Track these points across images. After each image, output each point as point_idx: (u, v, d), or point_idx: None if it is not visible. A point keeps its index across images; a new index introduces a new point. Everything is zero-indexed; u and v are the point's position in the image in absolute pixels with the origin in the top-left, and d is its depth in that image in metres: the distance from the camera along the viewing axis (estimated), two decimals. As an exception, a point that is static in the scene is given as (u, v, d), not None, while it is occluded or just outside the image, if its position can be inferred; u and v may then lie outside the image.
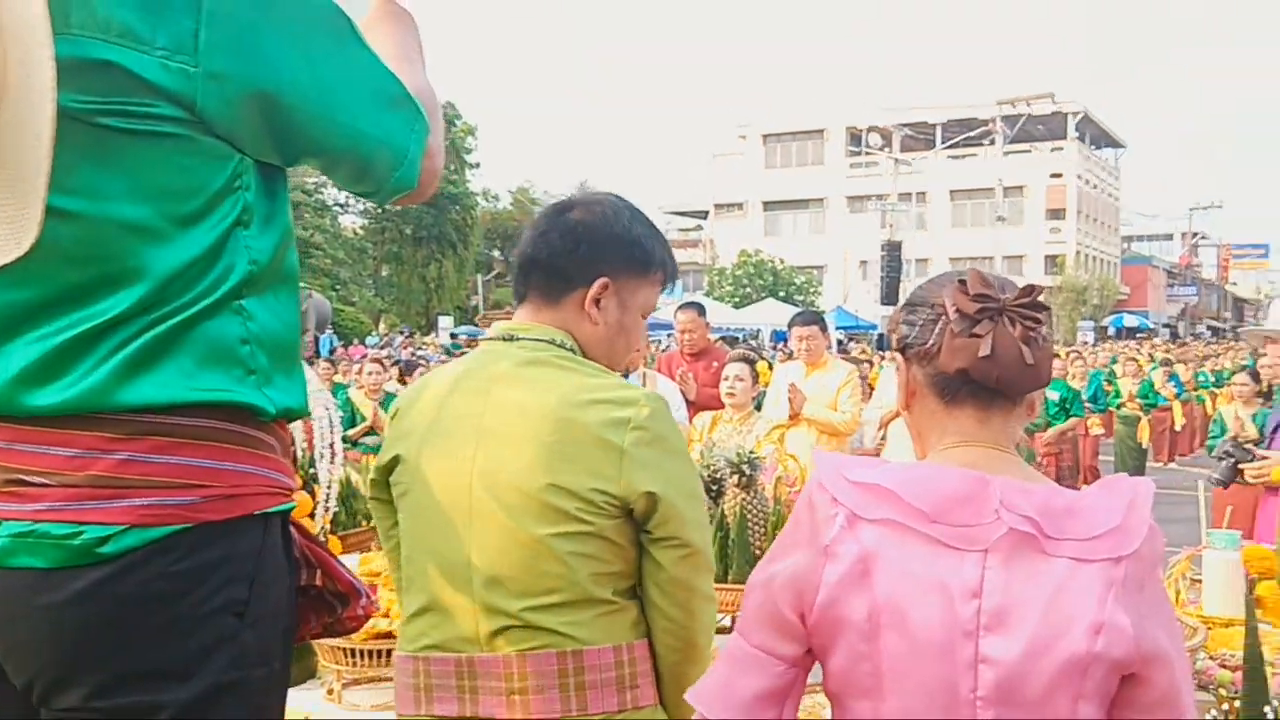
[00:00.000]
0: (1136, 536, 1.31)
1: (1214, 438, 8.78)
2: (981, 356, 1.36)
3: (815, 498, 1.39)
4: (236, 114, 1.32)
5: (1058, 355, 11.69)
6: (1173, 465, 16.21)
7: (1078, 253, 52.81)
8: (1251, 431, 8.26)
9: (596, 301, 1.84)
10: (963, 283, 1.40)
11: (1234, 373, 9.63)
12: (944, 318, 1.40)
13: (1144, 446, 14.84)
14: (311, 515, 3.01)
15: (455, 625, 1.76)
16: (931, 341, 1.41)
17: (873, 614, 1.31)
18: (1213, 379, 18.43)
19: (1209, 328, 67.28)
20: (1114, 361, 18.09)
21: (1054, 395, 9.88)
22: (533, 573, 1.71)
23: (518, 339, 1.83)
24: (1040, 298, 1.40)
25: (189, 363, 1.32)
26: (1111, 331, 50.33)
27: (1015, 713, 1.28)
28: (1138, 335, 48.73)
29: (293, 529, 1.49)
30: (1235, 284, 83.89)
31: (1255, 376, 8.81)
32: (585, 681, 1.71)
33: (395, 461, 1.86)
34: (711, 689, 1.42)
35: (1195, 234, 71.75)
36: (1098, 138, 57.93)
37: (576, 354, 1.83)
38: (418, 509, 1.82)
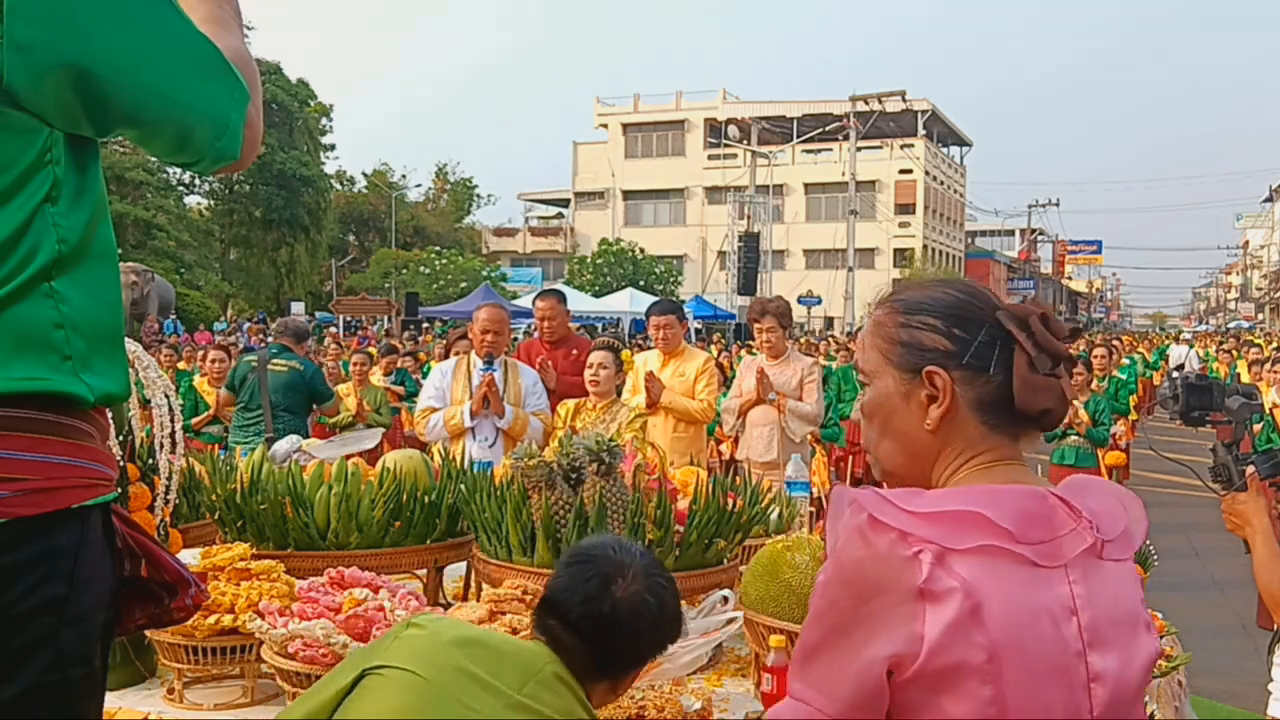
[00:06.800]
0: (1140, 535, 1.36)
1: (1050, 424, 9.24)
2: (1062, 399, 1.33)
3: (875, 539, 1.22)
4: (45, 86, 1.23)
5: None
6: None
7: (925, 247, 54.79)
8: (1084, 417, 8.73)
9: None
10: (1045, 318, 1.34)
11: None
12: (1010, 344, 1.33)
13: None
14: (150, 508, 2.86)
15: None
16: (993, 368, 1.34)
17: (993, 653, 1.19)
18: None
19: (1045, 320, 70.58)
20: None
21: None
22: None
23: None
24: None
25: None
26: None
27: None
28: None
29: (115, 518, 1.42)
30: (1070, 278, 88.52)
31: (1087, 365, 9.29)
32: None
33: None
34: None
35: (1034, 231, 75.31)
36: (945, 135, 60.17)
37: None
38: None
